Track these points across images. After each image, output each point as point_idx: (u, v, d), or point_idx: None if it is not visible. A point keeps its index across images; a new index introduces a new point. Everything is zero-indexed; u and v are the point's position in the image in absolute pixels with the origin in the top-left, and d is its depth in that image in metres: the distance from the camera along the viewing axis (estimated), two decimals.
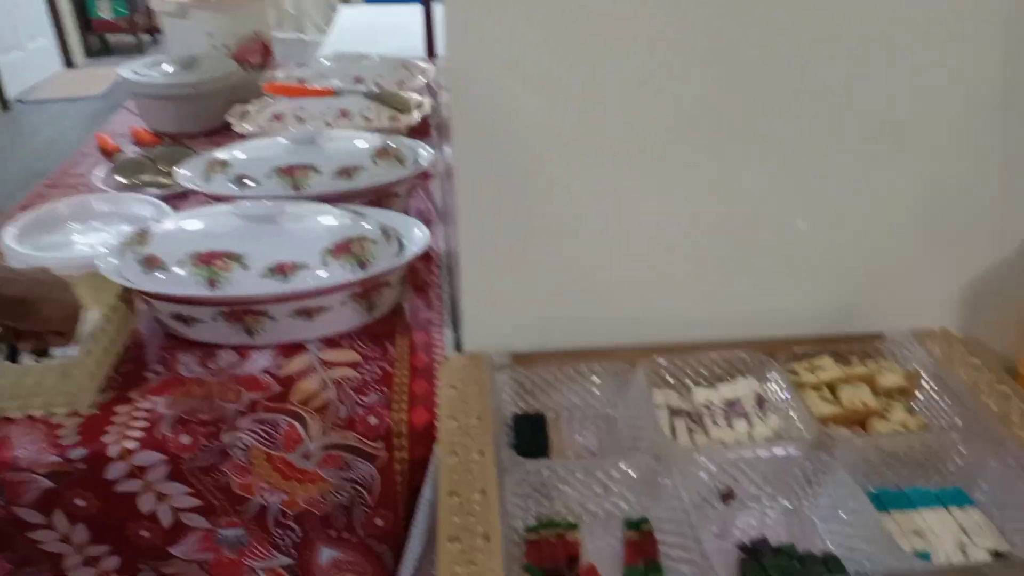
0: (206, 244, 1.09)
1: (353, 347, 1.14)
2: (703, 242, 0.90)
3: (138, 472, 0.98)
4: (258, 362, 1.11)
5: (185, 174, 1.41)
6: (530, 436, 0.89)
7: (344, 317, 1.14)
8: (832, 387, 0.91)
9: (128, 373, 1.09)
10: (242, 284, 1.05)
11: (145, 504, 1.00)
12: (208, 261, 1.07)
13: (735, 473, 0.81)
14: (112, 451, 0.97)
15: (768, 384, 0.92)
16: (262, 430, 0.98)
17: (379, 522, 1.06)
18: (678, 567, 0.72)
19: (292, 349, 1.14)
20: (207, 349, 1.14)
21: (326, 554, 1.09)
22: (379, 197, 1.38)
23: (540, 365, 0.91)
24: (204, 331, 1.12)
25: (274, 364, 1.10)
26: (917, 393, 0.91)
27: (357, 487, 1.04)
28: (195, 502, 1.01)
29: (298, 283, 1.06)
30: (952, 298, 0.97)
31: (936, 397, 0.89)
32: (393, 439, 1.00)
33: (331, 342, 1.15)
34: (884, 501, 0.80)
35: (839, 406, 0.88)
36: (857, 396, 0.89)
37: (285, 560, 1.08)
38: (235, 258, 1.07)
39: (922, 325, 0.98)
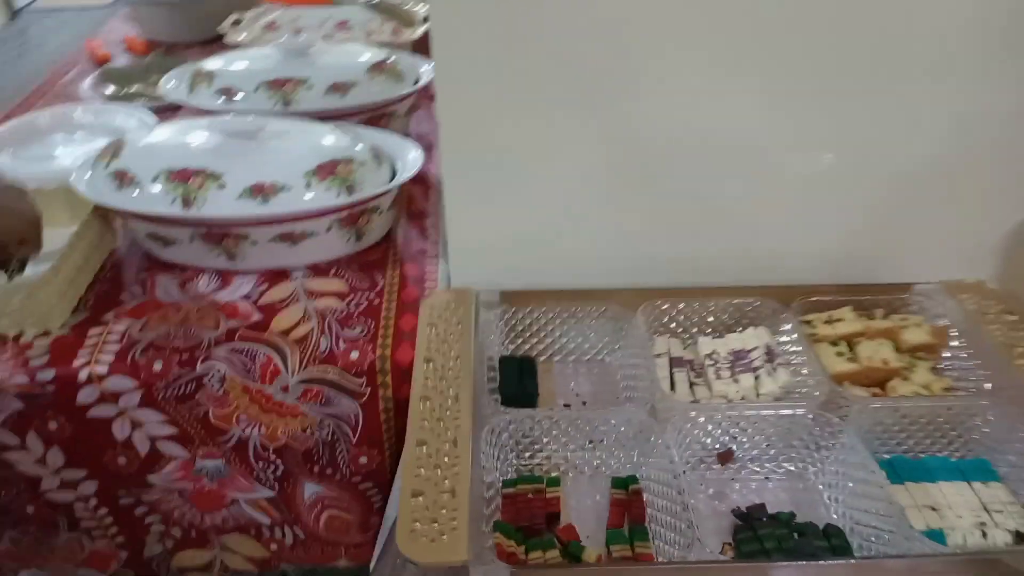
0: (182, 160, 1.01)
1: (340, 276, 1.07)
2: (713, 177, 0.80)
3: (110, 397, 0.93)
4: (240, 288, 1.05)
5: (170, 85, 1.33)
6: (516, 381, 0.82)
7: (330, 244, 1.07)
8: (851, 342, 0.83)
9: (103, 294, 1.04)
10: (218, 205, 0.98)
11: (120, 430, 0.96)
12: (183, 178, 1.00)
13: (736, 432, 0.74)
14: (82, 375, 0.92)
15: (780, 336, 0.84)
16: (239, 360, 0.92)
17: (363, 460, 1.01)
18: (665, 532, 0.66)
19: (276, 276, 1.07)
20: (187, 272, 1.08)
21: (309, 489, 1.05)
22: (376, 116, 1.28)
23: (533, 305, 0.84)
24: (182, 253, 1.05)
25: (256, 291, 1.04)
26: (945, 352, 0.83)
27: (340, 423, 0.98)
28: (171, 430, 0.97)
29: (278, 206, 0.99)
30: (989, 247, 0.88)
31: (966, 357, 0.81)
32: (377, 376, 0.95)
33: (318, 270, 1.09)
34: (899, 470, 0.73)
35: (857, 363, 0.80)
36: (878, 353, 0.80)
37: (267, 492, 1.05)
38: (212, 176, 0.99)
39: (955, 277, 0.89)
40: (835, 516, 0.70)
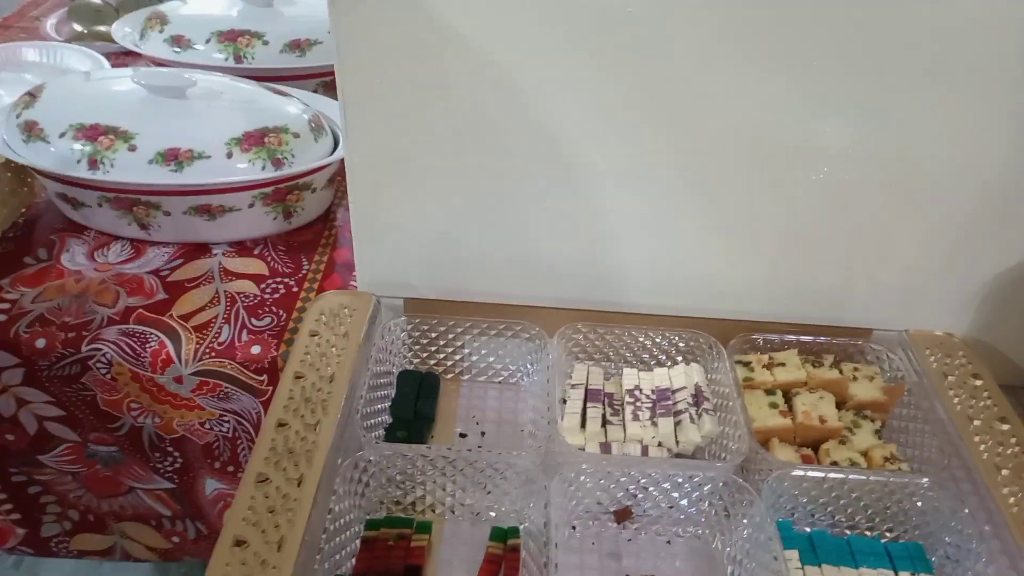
0: (95, 115, 0.93)
1: (264, 257, 0.99)
2: (656, 184, 0.70)
3: None
4: (152, 261, 0.97)
5: (123, 28, 1.24)
6: (412, 401, 0.74)
7: (254, 222, 0.98)
8: (788, 392, 0.73)
9: (6, 256, 0.96)
10: (127, 169, 0.90)
11: (6, 407, 0.89)
12: (92, 136, 0.91)
13: (635, 490, 0.65)
14: None
15: (713, 375, 0.74)
16: (127, 344, 0.85)
17: None
18: None
19: (196, 250, 0.99)
20: (102, 238, 1.00)
21: (211, 484, 0.98)
22: None
23: (441, 315, 0.75)
24: (92, 217, 0.98)
25: (168, 266, 0.96)
26: (898, 410, 0.73)
27: (240, 420, 0.91)
28: (58, 412, 0.90)
29: (191, 176, 0.90)
30: (969, 297, 0.77)
31: (919, 422, 0.71)
32: (279, 374, 0.86)
33: (243, 248, 1.00)
34: (819, 548, 0.64)
35: (790, 418, 0.70)
36: (816, 409, 0.71)
37: (166, 484, 0.98)
38: (124, 136, 0.91)
39: (923, 327, 0.78)
40: None
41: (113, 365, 0.85)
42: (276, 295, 0.93)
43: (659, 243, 0.74)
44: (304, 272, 0.97)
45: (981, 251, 0.73)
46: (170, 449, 0.93)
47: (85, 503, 0.99)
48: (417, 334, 0.76)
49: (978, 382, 0.71)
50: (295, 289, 0.94)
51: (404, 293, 0.76)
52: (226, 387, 0.87)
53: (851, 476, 0.63)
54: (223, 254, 0.98)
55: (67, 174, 0.90)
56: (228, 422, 0.91)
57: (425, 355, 0.78)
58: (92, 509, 1.00)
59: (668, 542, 0.65)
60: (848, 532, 0.66)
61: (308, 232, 1.04)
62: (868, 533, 0.66)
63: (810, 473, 0.63)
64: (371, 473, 0.63)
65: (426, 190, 0.71)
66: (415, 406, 0.73)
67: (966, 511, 0.61)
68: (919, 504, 0.65)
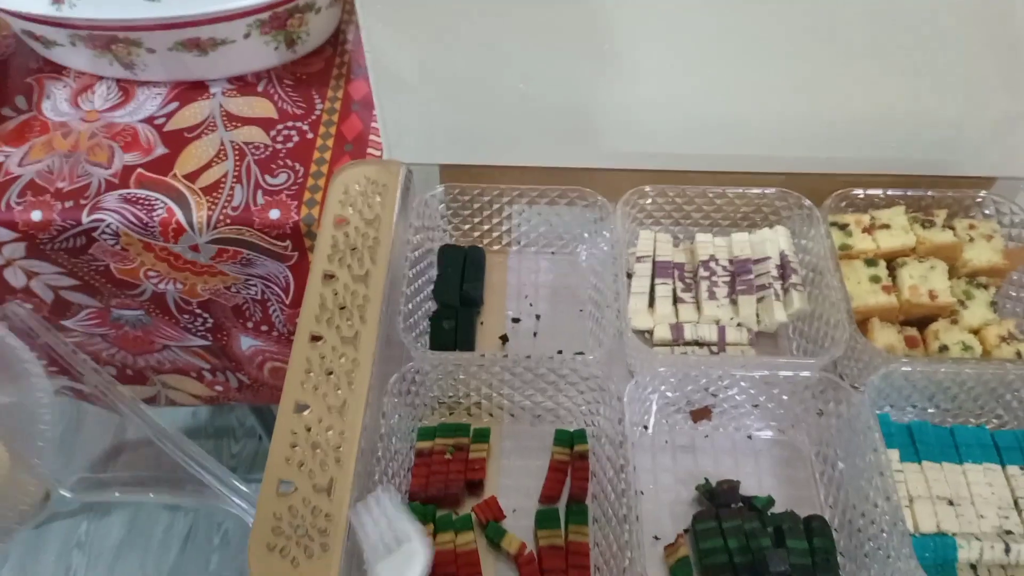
0: None
1: (270, 94, 0.86)
2: (727, 12, 0.54)
3: None
4: (144, 105, 0.85)
5: None
6: (457, 282, 0.65)
7: (252, 54, 0.84)
8: (892, 263, 0.63)
9: None
10: (95, 3, 0.75)
11: (14, 278, 0.83)
12: None
13: (715, 389, 0.58)
14: None
15: (804, 240, 0.64)
16: (132, 213, 0.76)
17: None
18: (606, 515, 0.53)
19: (191, 91, 0.86)
20: (84, 78, 0.87)
21: (246, 342, 0.93)
22: None
23: (484, 183, 0.64)
24: (67, 57, 0.84)
25: (163, 111, 0.84)
26: (1018, 275, 0.63)
27: (268, 284, 0.84)
28: (72, 281, 0.83)
29: (172, 6, 0.75)
30: None
31: None
32: (304, 239, 0.78)
33: (244, 84, 0.87)
34: (920, 441, 0.57)
35: (895, 295, 0.61)
36: (925, 282, 0.61)
37: (200, 342, 0.93)
38: None
39: None
40: (827, 502, 0.56)
41: (121, 236, 0.77)
42: (289, 144, 0.81)
43: (736, 80, 0.60)
44: (318, 113, 0.84)
45: None
46: (198, 311, 0.88)
47: (120, 360, 0.96)
48: (456, 204, 0.66)
49: None
50: (310, 135, 0.82)
51: (439, 158, 0.65)
52: (247, 254, 0.79)
53: (966, 369, 0.55)
54: (223, 93, 0.86)
55: (27, 11, 0.76)
56: (255, 286, 0.84)
57: (467, 227, 0.68)
58: (129, 365, 0.97)
59: (749, 436, 0.59)
60: (951, 420, 0.59)
61: (317, 60, 0.90)
62: (973, 421, 0.59)
63: (920, 368, 0.55)
64: (421, 383, 0.56)
65: (458, 28, 0.57)
66: (460, 289, 0.64)
67: None
68: None
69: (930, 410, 0.59)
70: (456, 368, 0.56)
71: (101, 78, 0.87)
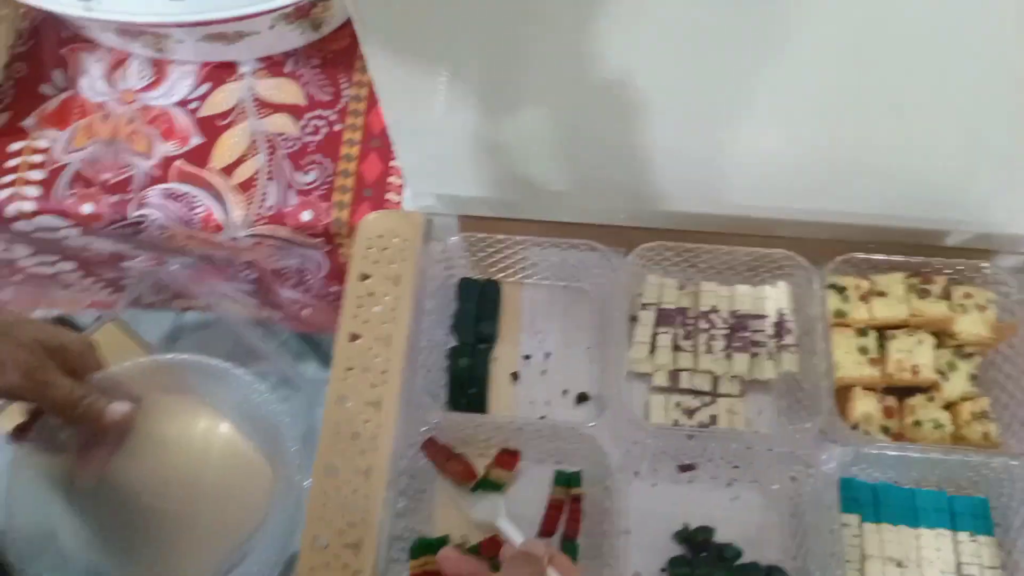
0: None
1: (297, 76, 0.87)
2: (747, 74, 0.54)
3: (47, 231, 0.85)
4: (176, 86, 0.87)
5: None
6: (474, 318, 0.71)
7: (279, 40, 0.84)
8: (883, 333, 0.66)
9: (23, 83, 0.88)
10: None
11: (73, 241, 0.89)
12: None
13: (701, 452, 0.64)
14: (10, 210, 0.82)
15: (802, 301, 0.68)
16: (174, 209, 0.81)
17: (335, 288, 0.94)
18: (596, 552, 0.62)
19: (222, 71, 0.87)
20: (116, 53, 0.88)
21: (285, 293, 1.01)
22: None
23: (503, 233, 0.67)
24: (99, 36, 0.85)
25: (194, 94, 0.86)
26: (1006, 348, 0.66)
27: (305, 262, 0.90)
28: (125, 246, 0.89)
29: (196, 5, 0.75)
30: None
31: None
32: (335, 237, 0.83)
33: (272, 64, 0.88)
34: (881, 503, 0.64)
35: (879, 368, 0.65)
36: (911, 357, 0.65)
37: (246, 287, 1.01)
38: None
39: None
40: (789, 554, 0.64)
41: (166, 227, 0.82)
42: (318, 136, 0.84)
43: (752, 136, 0.60)
44: (344, 102, 0.86)
45: None
46: (243, 267, 0.94)
47: (172, 290, 1.03)
48: (474, 247, 0.69)
49: None
50: (337, 127, 0.84)
51: (453, 207, 0.68)
52: (284, 244, 0.84)
53: (929, 456, 0.61)
54: (252, 74, 0.87)
55: (51, 8, 0.77)
56: (293, 259, 0.90)
57: (485, 264, 0.72)
58: (180, 294, 1.04)
59: (728, 484, 0.67)
60: (915, 483, 0.65)
61: (343, 37, 0.89)
62: (937, 486, 0.65)
63: (886, 452, 0.61)
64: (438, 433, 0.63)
65: (471, 90, 0.57)
66: (476, 327, 0.70)
67: None
68: (992, 478, 0.63)
69: (895, 475, 0.65)
70: (469, 424, 0.63)
71: (131, 54, 0.88)
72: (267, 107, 0.85)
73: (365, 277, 0.65)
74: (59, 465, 0.70)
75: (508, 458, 0.65)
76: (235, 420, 0.74)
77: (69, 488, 0.71)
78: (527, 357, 0.71)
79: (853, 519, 0.63)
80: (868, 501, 0.65)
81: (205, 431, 0.74)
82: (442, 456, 0.61)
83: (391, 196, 0.81)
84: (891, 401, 0.65)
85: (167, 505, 0.71)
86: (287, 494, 0.68)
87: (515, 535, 0.60)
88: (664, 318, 0.69)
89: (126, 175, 0.82)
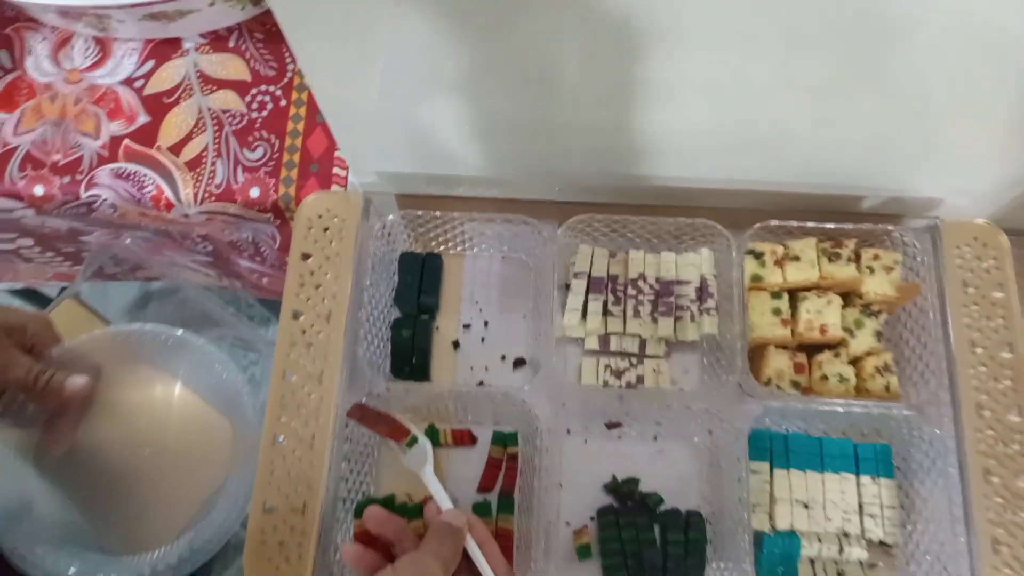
0: None
1: (242, 51, 0.89)
2: (665, 56, 0.56)
3: (3, 212, 0.87)
4: (121, 64, 0.88)
5: None
6: (415, 291, 0.74)
7: (221, 15, 0.86)
8: (795, 296, 0.71)
9: None
10: None
11: (29, 221, 0.92)
12: None
13: (628, 411, 0.69)
14: None
15: (723, 267, 0.72)
16: (124, 189, 0.83)
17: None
18: (530, 505, 0.67)
19: (166, 47, 0.89)
20: (61, 32, 0.89)
21: (243, 264, 1.04)
22: None
23: (442, 210, 0.71)
24: (40, 16, 0.86)
25: (139, 72, 0.88)
26: (910, 307, 0.71)
27: (258, 234, 0.93)
28: (81, 224, 0.92)
29: None
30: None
31: (923, 332, 0.70)
32: (284, 212, 0.86)
33: (216, 39, 0.89)
34: (792, 451, 0.69)
35: (789, 329, 0.70)
36: (820, 317, 0.69)
37: (204, 258, 1.04)
38: None
39: (963, 216, 0.71)
40: (707, 499, 0.70)
41: (118, 207, 0.85)
42: (264, 112, 0.86)
43: (671, 112, 0.63)
44: (289, 76, 0.87)
45: None
46: (199, 240, 0.97)
47: (131, 262, 1.06)
48: (414, 223, 0.73)
49: (998, 294, 0.68)
50: (283, 103, 0.86)
51: (395, 185, 0.71)
52: (235, 220, 0.87)
53: (833, 408, 0.66)
54: (196, 50, 0.88)
55: None
56: (246, 232, 0.93)
57: (426, 239, 0.75)
58: (139, 266, 1.07)
59: (655, 438, 0.72)
60: (824, 432, 0.71)
61: None
62: (844, 434, 0.71)
63: (792, 404, 0.66)
64: (382, 402, 0.68)
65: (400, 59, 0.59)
66: (418, 299, 0.74)
67: (935, 438, 0.65)
68: (894, 426, 0.68)
69: (806, 425, 0.71)
70: (411, 392, 0.67)
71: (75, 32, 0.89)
72: (212, 83, 0.87)
73: (306, 257, 0.68)
74: (29, 438, 0.75)
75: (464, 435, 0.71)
76: (194, 385, 0.79)
77: (40, 459, 0.75)
78: (467, 326, 0.75)
79: (764, 467, 0.69)
80: (780, 450, 0.70)
81: (165, 396, 0.79)
82: (369, 418, 0.65)
83: (338, 171, 0.84)
84: (801, 358, 0.70)
85: (135, 466, 0.75)
86: (248, 454, 0.73)
87: (437, 489, 0.64)
88: (595, 286, 0.73)
89: (75, 156, 0.84)
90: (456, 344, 0.75)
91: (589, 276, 0.73)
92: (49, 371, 0.68)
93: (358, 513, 0.66)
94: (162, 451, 0.76)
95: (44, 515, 0.74)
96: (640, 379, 0.72)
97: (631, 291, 0.72)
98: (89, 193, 0.83)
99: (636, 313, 0.72)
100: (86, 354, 0.75)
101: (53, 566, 0.70)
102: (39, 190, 0.83)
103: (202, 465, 0.76)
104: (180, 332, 0.80)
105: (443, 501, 0.65)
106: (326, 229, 0.69)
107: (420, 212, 0.71)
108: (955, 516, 0.64)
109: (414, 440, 0.66)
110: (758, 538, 0.67)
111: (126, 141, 0.85)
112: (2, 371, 0.66)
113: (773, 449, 0.70)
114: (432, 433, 0.70)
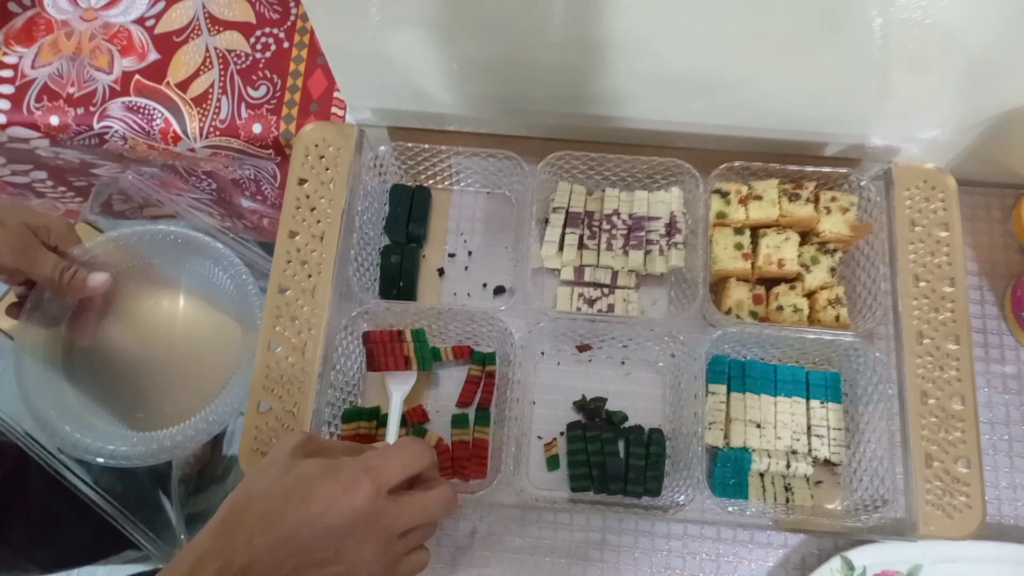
0: None
1: None
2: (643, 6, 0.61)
3: (20, 140, 0.92)
4: (135, 3, 0.93)
5: None
6: (405, 221, 0.80)
7: None
8: (756, 232, 0.76)
9: None
10: None
11: (44, 152, 0.97)
12: None
13: (597, 334, 0.75)
14: None
15: (691, 205, 0.77)
16: (135, 122, 0.89)
17: None
18: (505, 418, 0.73)
19: None
20: None
21: (245, 202, 1.09)
22: None
23: (431, 142, 0.76)
24: None
25: (152, 11, 0.93)
26: (863, 244, 0.76)
27: (259, 171, 0.98)
28: (93, 157, 0.97)
29: None
30: (972, 126, 0.73)
31: (873, 267, 0.75)
32: (284, 149, 0.91)
33: None
34: (749, 376, 0.75)
35: (749, 263, 0.75)
36: (778, 252, 0.75)
37: (207, 196, 1.10)
38: None
39: (915, 160, 0.76)
40: (668, 417, 0.76)
41: (128, 139, 0.90)
42: (267, 53, 0.91)
43: (649, 46, 0.67)
44: (292, 20, 0.92)
45: (997, 83, 0.67)
46: (203, 176, 1.03)
47: (138, 199, 1.11)
48: (405, 156, 0.78)
49: (944, 233, 0.73)
50: (286, 45, 0.91)
51: (388, 121, 0.76)
52: (237, 155, 0.92)
53: (784, 333, 0.72)
54: None
55: None
56: (248, 169, 0.98)
57: (415, 172, 0.81)
58: (147, 202, 1.12)
59: (622, 363, 0.78)
60: (779, 360, 0.76)
61: None
62: (797, 362, 0.76)
63: (747, 330, 0.72)
64: (369, 319, 0.73)
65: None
66: (407, 228, 0.79)
67: (878, 363, 0.70)
68: (842, 353, 0.74)
69: (761, 352, 0.76)
70: (396, 310, 0.73)
71: None
72: (219, 24, 0.92)
73: (303, 182, 0.73)
74: (55, 344, 0.81)
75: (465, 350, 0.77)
76: (205, 289, 0.85)
77: (67, 360, 0.82)
78: (452, 255, 0.81)
79: (721, 389, 0.74)
80: (737, 374, 0.76)
81: (174, 301, 0.85)
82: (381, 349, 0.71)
83: (336, 111, 0.89)
84: (760, 290, 0.75)
85: (153, 355, 0.83)
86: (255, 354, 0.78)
87: (394, 419, 0.70)
88: (572, 220, 0.78)
89: (89, 89, 0.89)
90: (441, 271, 0.80)
91: (567, 211, 0.78)
92: (73, 267, 0.74)
93: (345, 419, 0.72)
94: (176, 345, 0.83)
95: (74, 411, 0.80)
96: (611, 307, 0.77)
97: (605, 226, 0.78)
98: (101, 124, 0.88)
99: (609, 246, 0.77)
100: (103, 254, 0.82)
101: (91, 445, 0.76)
102: (55, 120, 0.88)
103: (214, 360, 0.82)
104: (195, 233, 0.86)
105: (391, 434, 0.70)
106: (322, 157, 0.74)
107: (410, 144, 0.76)
108: (893, 434, 0.69)
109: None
110: (713, 453, 0.73)
111: (137, 76, 0.90)
112: (31, 265, 0.72)
113: (731, 374, 0.76)
114: (434, 352, 0.75)
